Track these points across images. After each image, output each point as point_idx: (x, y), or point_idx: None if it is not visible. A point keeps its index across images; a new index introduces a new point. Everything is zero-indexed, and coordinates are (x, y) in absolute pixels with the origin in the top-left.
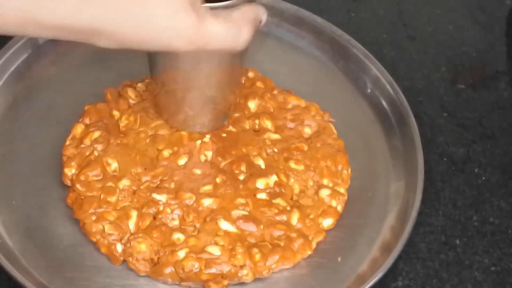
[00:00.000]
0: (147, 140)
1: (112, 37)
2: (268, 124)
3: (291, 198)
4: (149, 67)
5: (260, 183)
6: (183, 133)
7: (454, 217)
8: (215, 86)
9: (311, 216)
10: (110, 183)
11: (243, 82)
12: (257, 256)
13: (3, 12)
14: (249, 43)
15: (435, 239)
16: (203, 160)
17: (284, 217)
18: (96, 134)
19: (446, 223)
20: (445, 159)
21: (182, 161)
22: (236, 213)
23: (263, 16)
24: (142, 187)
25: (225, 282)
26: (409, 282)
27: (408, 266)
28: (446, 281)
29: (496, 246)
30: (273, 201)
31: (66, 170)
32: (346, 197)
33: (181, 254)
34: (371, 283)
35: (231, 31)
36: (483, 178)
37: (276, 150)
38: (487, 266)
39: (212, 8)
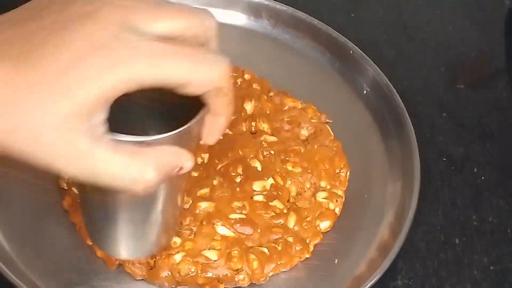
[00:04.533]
0: None
1: None
2: (264, 126)
3: (288, 201)
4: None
5: (257, 186)
6: None
7: (453, 216)
8: (148, 211)
9: (308, 219)
10: None
11: (239, 83)
12: (255, 263)
13: None
14: (155, 187)
15: (434, 238)
16: (199, 163)
17: (281, 221)
18: None
19: (445, 223)
20: (444, 159)
21: None
22: (233, 216)
23: (186, 163)
24: None
25: (221, 286)
26: (408, 281)
27: (408, 265)
28: (445, 280)
29: (495, 245)
30: (270, 203)
31: None
32: (343, 199)
33: (178, 257)
34: (368, 285)
35: (130, 170)
36: (482, 177)
37: (272, 152)
38: (486, 265)
39: (121, 141)
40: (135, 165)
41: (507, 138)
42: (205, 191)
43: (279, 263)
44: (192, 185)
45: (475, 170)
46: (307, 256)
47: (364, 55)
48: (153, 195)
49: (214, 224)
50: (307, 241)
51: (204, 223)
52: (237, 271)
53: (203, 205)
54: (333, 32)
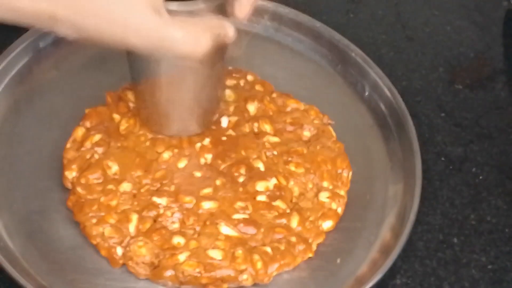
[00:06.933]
0: (147, 143)
1: (70, 24)
2: (267, 127)
3: (291, 201)
4: (131, 76)
5: (260, 186)
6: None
7: (452, 216)
8: (196, 89)
9: (310, 219)
10: (110, 186)
11: (242, 84)
12: (259, 264)
13: None
14: (210, 55)
15: (433, 237)
16: (203, 163)
17: (284, 221)
18: (97, 137)
19: (443, 222)
20: (442, 159)
21: (182, 163)
22: (236, 216)
23: (229, 30)
24: (142, 190)
25: (225, 286)
26: (407, 280)
27: (406, 265)
28: (444, 279)
29: (493, 244)
30: (273, 203)
31: (66, 173)
32: (346, 199)
33: (182, 257)
34: (370, 285)
35: (189, 36)
36: (480, 177)
37: (275, 153)
38: (484, 264)
39: (174, 11)
40: (193, 32)
41: (505, 138)
42: (208, 191)
43: (282, 262)
44: (195, 185)
45: (474, 170)
46: (310, 255)
47: (366, 57)
48: (195, 76)
49: (217, 224)
50: (310, 241)
51: (208, 223)
52: (241, 271)
53: (206, 205)
54: (335, 34)
